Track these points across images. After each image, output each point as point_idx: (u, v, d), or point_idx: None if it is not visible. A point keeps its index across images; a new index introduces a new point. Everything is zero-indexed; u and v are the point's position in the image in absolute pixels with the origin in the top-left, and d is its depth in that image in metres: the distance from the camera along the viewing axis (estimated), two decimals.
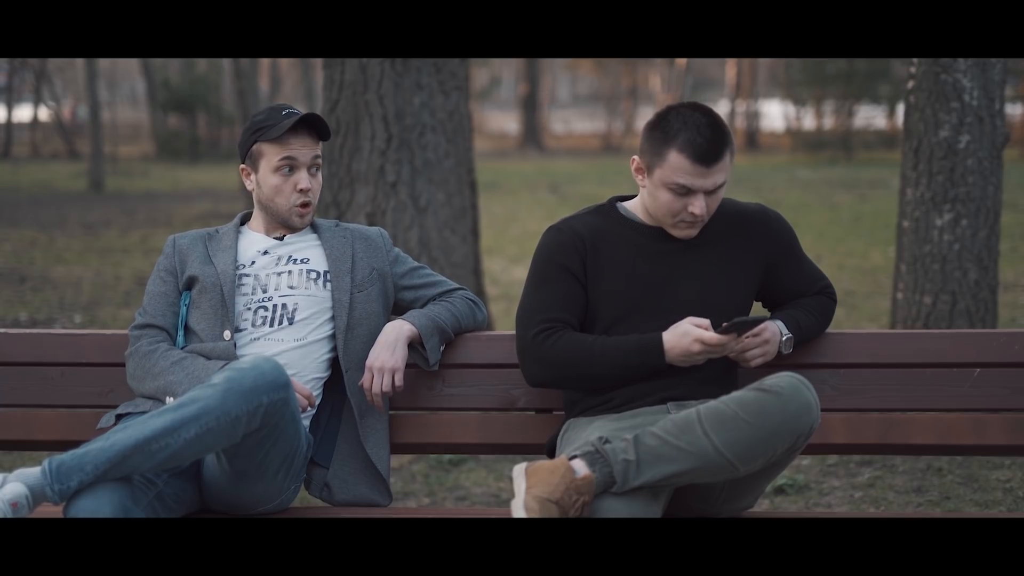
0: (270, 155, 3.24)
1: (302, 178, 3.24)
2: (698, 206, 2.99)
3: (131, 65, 38.50)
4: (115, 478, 2.77)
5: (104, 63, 31.49)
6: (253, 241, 3.31)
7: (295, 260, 3.29)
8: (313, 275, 3.27)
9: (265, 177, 3.26)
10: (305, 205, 3.27)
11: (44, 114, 31.40)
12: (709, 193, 3.00)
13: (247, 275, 3.24)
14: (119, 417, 3.16)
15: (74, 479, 2.72)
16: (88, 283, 10.41)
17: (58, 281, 10.52)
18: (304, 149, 3.24)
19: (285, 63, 35.55)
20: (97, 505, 2.72)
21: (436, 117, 6.11)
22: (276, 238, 3.32)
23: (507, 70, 44.91)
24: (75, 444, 3.23)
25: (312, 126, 3.25)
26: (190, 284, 3.24)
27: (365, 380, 3.18)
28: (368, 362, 3.18)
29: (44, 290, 10.08)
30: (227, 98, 26.49)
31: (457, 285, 3.43)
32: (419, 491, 4.98)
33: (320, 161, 3.29)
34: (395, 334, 3.21)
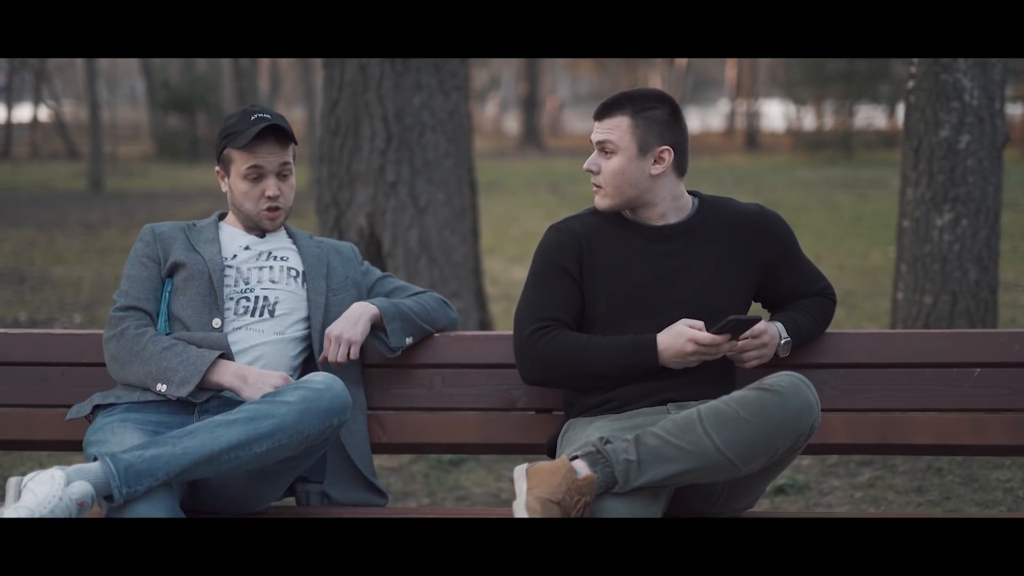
0: (239, 162, 3.27)
1: (270, 185, 3.27)
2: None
3: (131, 65, 38.44)
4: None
5: (104, 63, 31.44)
6: (233, 236, 3.35)
7: (275, 257, 3.33)
8: (293, 273, 3.32)
9: (235, 182, 3.30)
10: (273, 210, 3.30)
11: (44, 114, 31.34)
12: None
13: (230, 267, 3.28)
14: (96, 408, 3.14)
15: (144, 483, 2.74)
16: (88, 283, 10.40)
17: (58, 281, 10.51)
18: (271, 157, 3.26)
19: (285, 63, 35.50)
20: (153, 510, 2.75)
21: (436, 117, 6.10)
22: (256, 235, 3.35)
23: (507, 70, 44.85)
24: (75, 444, 3.23)
25: (279, 132, 3.26)
26: (172, 271, 3.25)
27: (325, 349, 3.22)
28: (329, 331, 3.22)
29: (44, 290, 10.07)
30: (227, 98, 26.41)
31: (425, 289, 3.48)
32: (419, 491, 4.97)
33: (290, 166, 3.30)
34: (359, 310, 3.26)
